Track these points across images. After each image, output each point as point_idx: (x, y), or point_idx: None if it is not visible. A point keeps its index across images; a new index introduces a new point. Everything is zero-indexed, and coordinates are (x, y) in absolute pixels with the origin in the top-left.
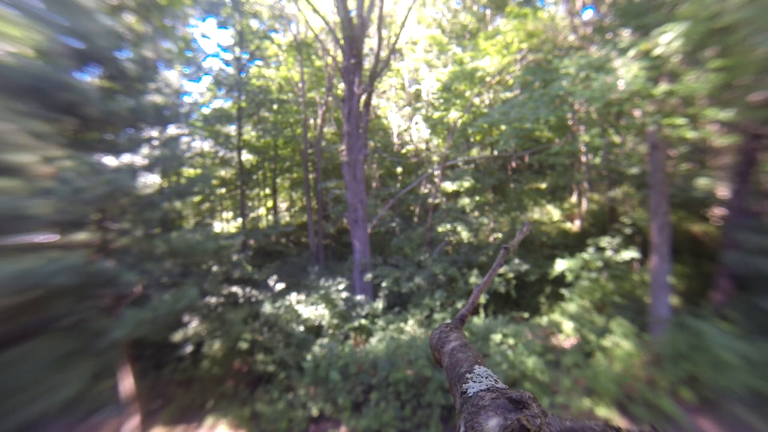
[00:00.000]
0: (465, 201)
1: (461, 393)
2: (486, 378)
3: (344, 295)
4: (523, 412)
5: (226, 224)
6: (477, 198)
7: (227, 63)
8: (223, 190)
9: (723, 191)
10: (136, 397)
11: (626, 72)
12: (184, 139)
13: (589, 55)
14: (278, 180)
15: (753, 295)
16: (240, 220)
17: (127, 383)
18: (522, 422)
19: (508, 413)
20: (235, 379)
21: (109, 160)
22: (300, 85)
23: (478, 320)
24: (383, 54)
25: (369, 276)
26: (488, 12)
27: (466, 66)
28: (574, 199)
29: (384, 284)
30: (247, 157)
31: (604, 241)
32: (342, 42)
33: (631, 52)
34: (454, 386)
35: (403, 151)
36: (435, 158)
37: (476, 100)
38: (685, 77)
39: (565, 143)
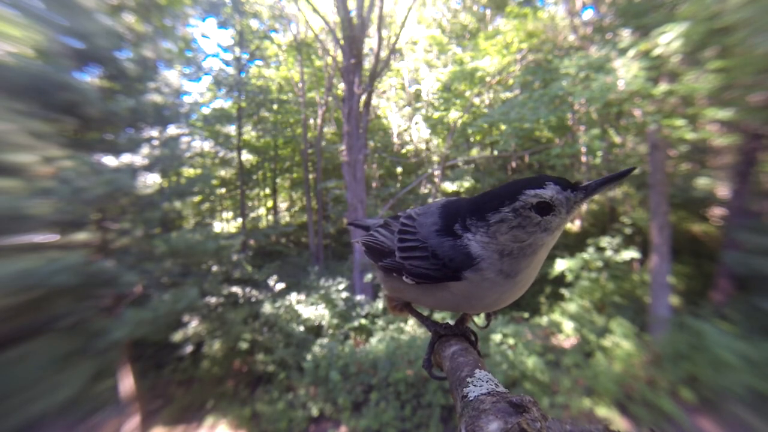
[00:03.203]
0: None
1: (462, 397)
2: (486, 382)
3: (344, 295)
4: (524, 416)
5: (226, 224)
6: None
7: (227, 63)
8: (223, 190)
9: (723, 191)
10: (136, 397)
11: (626, 72)
12: (184, 139)
13: (589, 55)
14: (278, 180)
15: (753, 295)
16: (240, 220)
17: (127, 383)
18: (522, 426)
19: (508, 417)
20: (235, 379)
21: (109, 160)
22: (300, 85)
23: (478, 319)
24: (383, 54)
25: (369, 276)
26: (488, 12)
27: (466, 66)
28: None
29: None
30: (247, 157)
31: (604, 241)
32: (342, 42)
33: (631, 52)
34: (455, 390)
35: (403, 151)
36: (435, 158)
37: (476, 100)
38: (685, 77)
39: (566, 145)
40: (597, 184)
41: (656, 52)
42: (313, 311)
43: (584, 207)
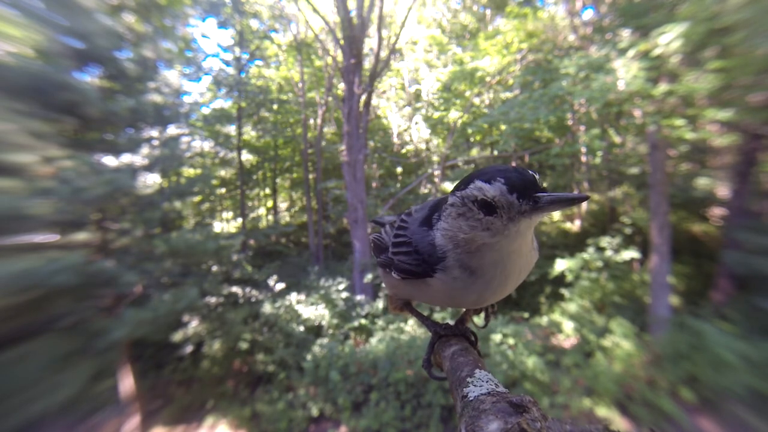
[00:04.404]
0: None
1: (462, 397)
2: (486, 382)
3: (344, 295)
4: (524, 416)
5: (226, 224)
6: None
7: (227, 63)
8: (223, 190)
9: (723, 191)
10: (136, 397)
11: (626, 72)
12: (184, 139)
13: (589, 56)
14: (278, 180)
15: (753, 295)
16: (240, 220)
17: (127, 383)
18: (522, 426)
19: (508, 417)
20: (235, 379)
21: (109, 160)
22: (300, 85)
23: (478, 320)
24: (383, 54)
25: (369, 276)
26: (488, 12)
27: (466, 66)
28: None
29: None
30: (247, 157)
31: (604, 241)
32: (342, 42)
33: (631, 53)
34: (455, 390)
35: (403, 151)
36: (435, 158)
37: (476, 100)
38: (685, 77)
39: (566, 144)
40: (549, 200)
41: (656, 52)
42: (313, 311)
43: (533, 221)
